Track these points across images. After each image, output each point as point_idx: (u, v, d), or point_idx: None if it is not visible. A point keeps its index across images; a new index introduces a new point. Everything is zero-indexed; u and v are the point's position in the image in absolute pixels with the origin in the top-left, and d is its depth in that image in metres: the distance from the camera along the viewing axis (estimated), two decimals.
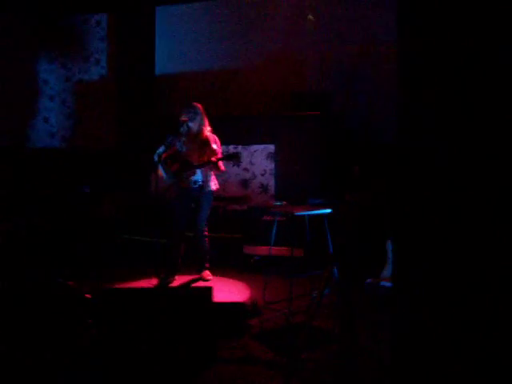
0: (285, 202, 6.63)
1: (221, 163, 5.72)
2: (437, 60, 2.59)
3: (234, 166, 6.84)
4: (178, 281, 5.89)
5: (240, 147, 7.53)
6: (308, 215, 5.14)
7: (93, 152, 8.78)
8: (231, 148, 7.36)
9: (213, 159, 5.63)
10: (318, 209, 5.05)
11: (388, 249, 5.21)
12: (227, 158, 5.73)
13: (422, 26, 2.63)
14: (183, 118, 5.78)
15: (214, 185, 5.89)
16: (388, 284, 5.01)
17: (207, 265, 6.02)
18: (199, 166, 5.71)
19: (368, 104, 7.36)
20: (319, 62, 7.71)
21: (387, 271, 5.15)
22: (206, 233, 5.94)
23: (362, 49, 7.45)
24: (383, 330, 4.12)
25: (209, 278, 5.95)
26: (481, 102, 2.51)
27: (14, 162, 8.49)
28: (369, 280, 5.25)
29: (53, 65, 9.39)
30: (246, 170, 7.57)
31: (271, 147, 7.45)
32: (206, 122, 5.87)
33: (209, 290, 4.04)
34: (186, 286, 5.79)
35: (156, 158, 5.86)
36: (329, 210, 5.05)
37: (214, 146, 5.73)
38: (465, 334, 2.62)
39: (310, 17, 7.76)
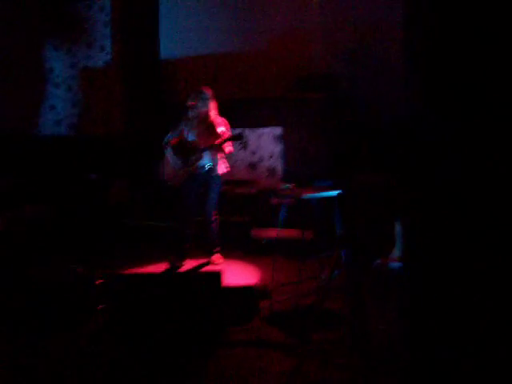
0: (293, 185, 6.60)
1: (225, 145, 5.70)
2: (442, 40, 2.56)
3: (241, 149, 6.81)
4: (188, 265, 5.91)
5: (247, 130, 7.50)
6: (316, 197, 5.12)
7: (99, 139, 8.78)
8: (237, 131, 7.33)
9: (216, 142, 5.63)
10: (326, 191, 5.03)
11: (396, 230, 5.19)
12: (230, 138, 5.69)
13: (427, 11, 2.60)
14: (191, 102, 5.77)
15: (224, 168, 5.89)
16: (397, 264, 4.99)
17: (217, 249, 6.03)
18: (204, 150, 5.70)
19: (374, 83, 7.30)
20: (325, 42, 7.64)
21: (396, 252, 5.13)
22: (216, 216, 5.95)
23: (367, 28, 7.38)
24: (393, 311, 4.12)
25: (219, 261, 5.97)
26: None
27: (21, 149, 8.52)
28: (378, 261, 5.24)
29: (58, 52, 9.37)
30: (253, 153, 7.56)
31: (278, 130, 7.42)
32: (214, 106, 5.86)
33: (217, 273, 4.06)
34: (196, 270, 5.82)
35: (164, 144, 5.86)
36: (336, 192, 5.03)
37: (220, 129, 5.72)
38: (471, 312, 2.62)
39: None
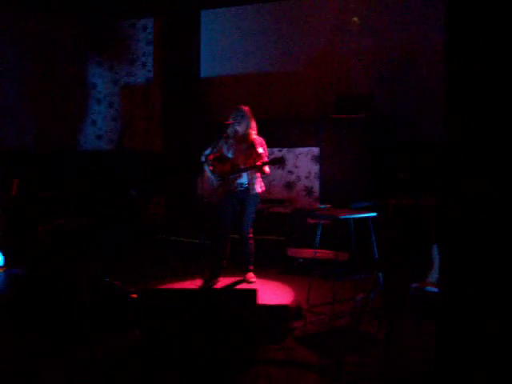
0: (329, 205, 6.59)
1: (266, 166, 5.74)
2: (486, 67, 2.55)
3: (278, 168, 6.83)
4: (222, 282, 5.93)
5: (285, 150, 7.52)
6: (353, 218, 5.11)
7: (139, 154, 8.91)
8: (276, 151, 7.36)
9: (258, 163, 5.66)
10: (363, 212, 5.01)
11: (433, 254, 5.14)
12: (272, 162, 5.76)
13: (471, 33, 2.58)
14: (230, 120, 5.83)
15: (259, 187, 5.92)
16: (433, 289, 4.93)
17: (251, 267, 6.04)
18: (245, 169, 5.75)
19: (413, 106, 7.28)
20: (364, 63, 7.66)
21: (433, 276, 5.07)
22: (251, 235, 5.97)
23: (408, 50, 7.38)
24: (428, 336, 4.06)
25: (253, 280, 5.97)
26: None
27: (63, 163, 8.69)
28: (414, 285, 5.19)
29: (101, 69, 9.58)
30: (290, 172, 7.56)
31: (316, 150, 7.41)
32: (253, 125, 5.91)
33: (253, 292, 4.06)
34: (230, 287, 5.83)
35: (203, 160, 5.93)
36: (373, 214, 5.01)
37: (260, 150, 5.76)
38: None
39: (355, 19, 7.72)
